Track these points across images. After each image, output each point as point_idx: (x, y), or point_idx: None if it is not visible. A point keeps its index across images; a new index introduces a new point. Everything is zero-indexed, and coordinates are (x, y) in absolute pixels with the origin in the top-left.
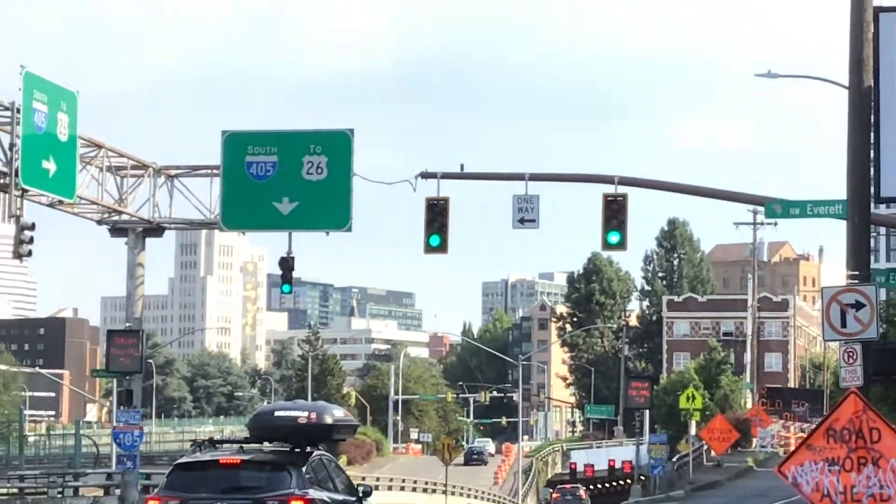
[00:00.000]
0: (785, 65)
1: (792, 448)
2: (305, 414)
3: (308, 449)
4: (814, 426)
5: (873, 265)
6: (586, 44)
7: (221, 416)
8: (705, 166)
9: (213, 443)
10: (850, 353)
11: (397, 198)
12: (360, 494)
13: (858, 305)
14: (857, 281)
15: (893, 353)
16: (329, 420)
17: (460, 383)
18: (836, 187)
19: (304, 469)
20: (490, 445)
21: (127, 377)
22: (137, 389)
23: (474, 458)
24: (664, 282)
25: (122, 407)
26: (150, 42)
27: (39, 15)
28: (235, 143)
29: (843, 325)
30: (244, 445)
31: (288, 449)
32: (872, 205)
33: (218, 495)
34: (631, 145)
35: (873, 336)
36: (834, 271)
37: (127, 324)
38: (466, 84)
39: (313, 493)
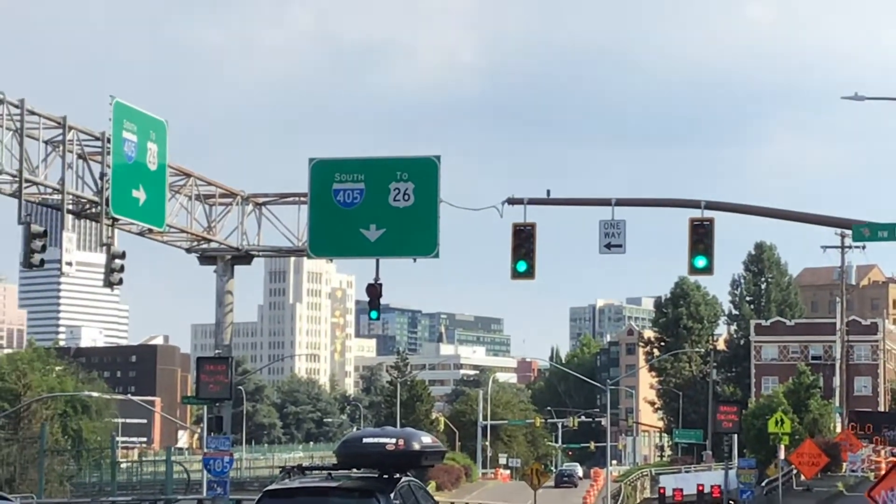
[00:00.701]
0: (874, 85)
1: (882, 473)
2: (393, 441)
3: (396, 475)
4: None
5: None
6: (672, 69)
7: (311, 443)
8: (793, 189)
9: (301, 469)
10: None
11: (484, 224)
12: None
13: None
14: None
15: None
16: (417, 447)
17: (548, 408)
18: None
19: (392, 496)
20: (578, 470)
21: (217, 404)
22: (227, 416)
23: (565, 481)
24: (752, 306)
25: (212, 433)
26: (238, 71)
27: (129, 46)
28: (322, 171)
29: None
30: (332, 472)
31: (376, 475)
32: None
33: None
34: (717, 169)
35: None
36: None
37: (216, 351)
38: (552, 110)
39: None
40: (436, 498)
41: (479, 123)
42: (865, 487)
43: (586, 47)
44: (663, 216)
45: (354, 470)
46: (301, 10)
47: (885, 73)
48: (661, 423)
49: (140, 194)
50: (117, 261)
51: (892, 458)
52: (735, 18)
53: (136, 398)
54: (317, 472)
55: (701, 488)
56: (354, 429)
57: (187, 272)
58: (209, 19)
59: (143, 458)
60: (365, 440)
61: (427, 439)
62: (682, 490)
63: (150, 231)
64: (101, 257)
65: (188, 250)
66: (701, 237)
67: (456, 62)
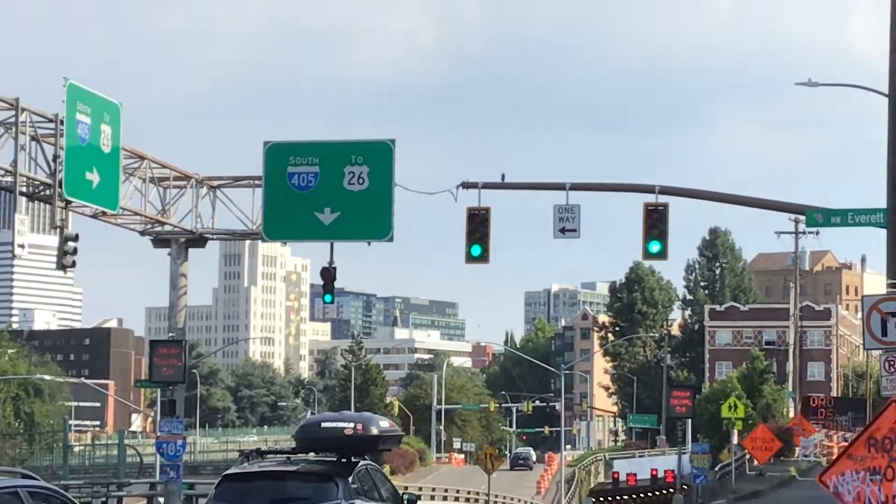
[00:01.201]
0: (831, 74)
1: (834, 457)
2: (352, 425)
3: (354, 459)
4: (856, 435)
5: None
6: (630, 55)
7: (265, 426)
8: (749, 175)
9: (260, 453)
10: (892, 362)
11: (439, 208)
12: (406, 503)
13: None
14: None
15: None
16: (375, 431)
17: (503, 393)
18: (882, 195)
19: (350, 479)
20: (532, 454)
21: (170, 387)
22: (180, 399)
23: (520, 463)
24: (706, 291)
25: (165, 417)
26: (194, 53)
27: (83, 28)
28: (277, 154)
29: (884, 333)
30: (291, 456)
31: (335, 459)
32: None
33: None
34: (672, 155)
35: None
36: (876, 280)
37: (170, 334)
38: (508, 94)
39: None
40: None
41: (435, 108)
42: (818, 472)
43: (543, 33)
44: (618, 201)
45: (312, 454)
46: None
47: (840, 60)
48: (615, 408)
49: (94, 176)
50: (70, 243)
51: (844, 443)
52: (690, 6)
53: (89, 381)
54: (276, 456)
55: (654, 473)
56: (309, 413)
57: (141, 255)
58: (164, 2)
59: (96, 442)
60: (323, 425)
61: (385, 423)
62: (635, 475)
63: (104, 214)
64: (54, 240)
65: (142, 233)
66: (655, 222)
67: (412, 46)
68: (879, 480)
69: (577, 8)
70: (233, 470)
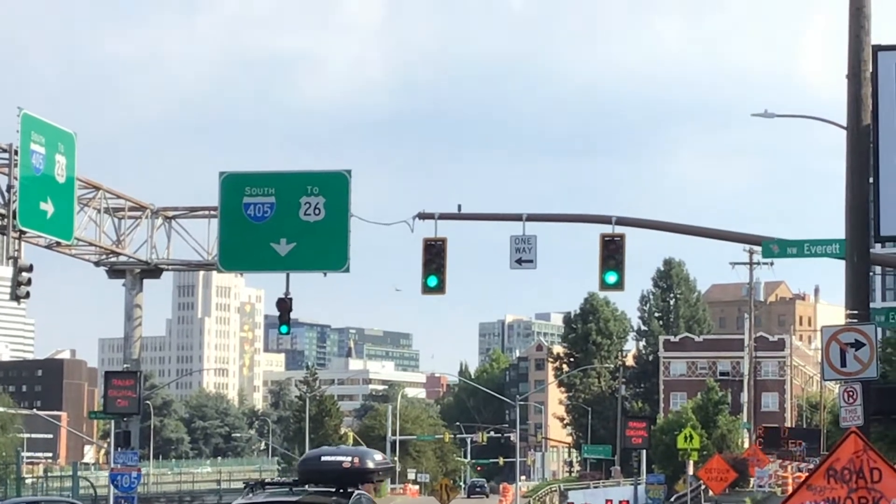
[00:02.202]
0: (788, 105)
1: (790, 488)
2: (349, 459)
3: (349, 490)
4: (812, 466)
5: (870, 304)
6: (583, 84)
7: (219, 458)
8: (705, 206)
9: (263, 485)
10: (850, 393)
11: (395, 239)
12: None
13: (858, 345)
14: (856, 320)
15: (893, 393)
16: (371, 464)
17: (458, 423)
18: (837, 226)
19: None
20: (486, 485)
21: (124, 419)
22: (135, 431)
23: (477, 491)
24: (661, 322)
25: (119, 448)
26: (147, 84)
27: (37, 57)
28: (233, 185)
29: (843, 364)
30: (293, 487)
31: (333, 490)
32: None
33: None
34: (629, 186)
35: (873, 375)
36: (829, 310)
37: (125, 365)
38: (465, 125)
39: None
40: None
41: (390, 138)
42: (772, 502)
43: (495, 63)
44: (574, 232)
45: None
46: (209, 24)
47: (796, 90)
48: (569, 439)
49: (48, 207)
50: (24, 274)
51: (798, 474)
52: (645, 35)
53: (41, 413)
54: (279, 487)
55: (609, 503)
56: (263, 444)
57: (95, 286)
58: (117, 31)
59: (49, 474)
60: (323, 458)
61: (378, 457)
62: None
63: (59, 244)
64: (7, 271)
65: (97, 264)
66: (612, 253)
67: (365, 77)
68: None
69: (529, 37)
70: (240, 500)
